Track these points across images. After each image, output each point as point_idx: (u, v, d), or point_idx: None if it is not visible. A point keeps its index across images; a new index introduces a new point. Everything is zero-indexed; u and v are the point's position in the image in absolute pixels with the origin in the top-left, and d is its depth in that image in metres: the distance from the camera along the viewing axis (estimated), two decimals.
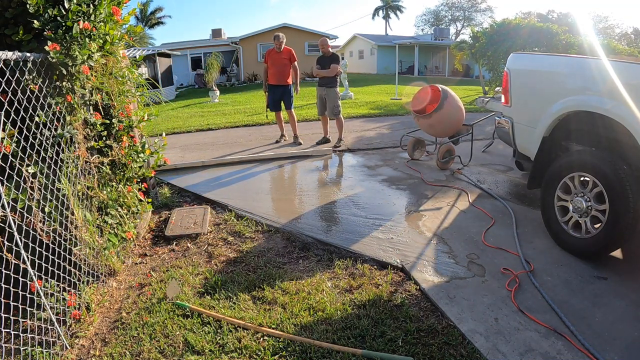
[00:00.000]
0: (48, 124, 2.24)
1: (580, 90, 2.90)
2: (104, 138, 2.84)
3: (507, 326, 2.13)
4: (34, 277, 1.96)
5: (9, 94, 1.96)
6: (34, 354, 1.93)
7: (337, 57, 6.29)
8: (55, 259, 2.19)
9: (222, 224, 3.59)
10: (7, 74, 1.95)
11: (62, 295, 2.20)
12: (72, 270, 2.32)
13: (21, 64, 2.06)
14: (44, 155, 2.20)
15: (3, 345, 1.89)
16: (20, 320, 1.99)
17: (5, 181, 1.94)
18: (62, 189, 2.27)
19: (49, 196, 2.17)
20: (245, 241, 3.24)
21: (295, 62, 6.51)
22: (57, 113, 2.32)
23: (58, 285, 2.19)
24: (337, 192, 4.33)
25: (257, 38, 22.68)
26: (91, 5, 2.47)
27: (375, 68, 30.11)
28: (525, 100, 3.51)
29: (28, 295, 1.94)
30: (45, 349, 1.98)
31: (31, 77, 2.13)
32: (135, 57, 3.44)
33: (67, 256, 2.29)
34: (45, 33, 2.20)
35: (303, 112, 10.28)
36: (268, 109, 6.96)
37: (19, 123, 2.01)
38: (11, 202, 1.96)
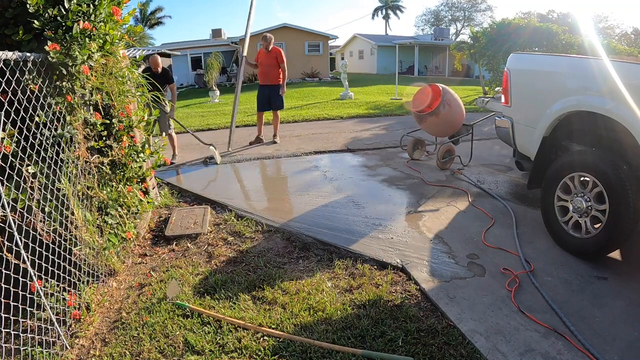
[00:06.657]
0: (48, 124, 2.24)
1: (581, 90, 2.89)
2: (104, 138, 2.84)
3: (507, 326, 2.13)
4: (34, 277, 1.96)
5: (9, 94, 1.96)
6: (34, 354, 1.94)
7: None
8: (55, 259, 2.19)
9: (222, 224, 3.59)
10: (7, 74, 1.95)
11: (62, 295, 2.20)
12: (72, 270, 2.32)
13: (21, 64, 2.06)
14: (44, 155, 2.20)
15: (3, 345, 1.89)
16: (20, 320, 1.99)
17: (5, 181, 1.94)
18: (62, 189, 2.27)
19: (49, 196, 2.17)
20: (245, 241, 3.24)
21: (284, 63, 6.45)
22: (57, 113, 2.32)
23: (58, 285, 2.19)
24: (337, 191, 4.33)
25: (257, 38, 22.38)
26: (91, 5, 2.47)
27: (375, 68, 30.09)
28: (525, 100, 3.51)
29: (28, 295, 1.94)
30: (45, 349, 1.98)
31: (31, 77, 2.13)
32: (135, 57, 3.44)
33: (67, 256, 2.29)
34: (45, 33, 2.20)
35: (303, 112, 10.29)
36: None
37: (19, 123, 2.01)
38: (11, 202, 1.96)
